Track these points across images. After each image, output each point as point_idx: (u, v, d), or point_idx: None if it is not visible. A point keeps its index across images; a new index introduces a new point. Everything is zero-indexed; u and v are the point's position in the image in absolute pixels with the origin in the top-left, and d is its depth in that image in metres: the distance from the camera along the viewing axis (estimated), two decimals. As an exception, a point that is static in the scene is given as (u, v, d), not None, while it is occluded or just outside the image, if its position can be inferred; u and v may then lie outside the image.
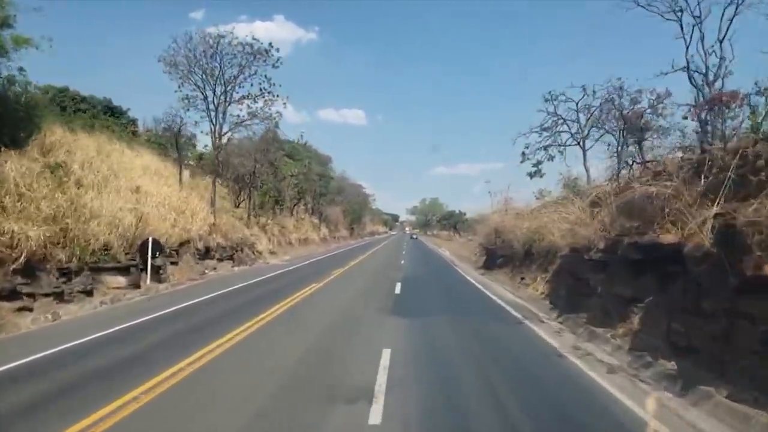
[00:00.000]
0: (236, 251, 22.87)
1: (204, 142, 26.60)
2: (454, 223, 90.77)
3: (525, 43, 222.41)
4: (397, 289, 14.68)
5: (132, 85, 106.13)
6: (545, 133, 17.29)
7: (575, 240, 11.39)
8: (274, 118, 22.96)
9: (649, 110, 12.89)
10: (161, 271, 15.70)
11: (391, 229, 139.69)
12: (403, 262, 27.98)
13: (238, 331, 8.11)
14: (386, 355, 6.60)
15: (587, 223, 11.42)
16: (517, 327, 9.24)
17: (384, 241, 70.86)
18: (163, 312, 10.25)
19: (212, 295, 12.77)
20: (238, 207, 30.15)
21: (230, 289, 14.07)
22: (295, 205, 43.33)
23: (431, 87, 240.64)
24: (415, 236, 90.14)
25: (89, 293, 12.16)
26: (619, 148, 13.72)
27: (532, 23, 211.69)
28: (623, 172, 11.60)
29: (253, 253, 25.73)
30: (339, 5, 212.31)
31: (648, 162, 10.47)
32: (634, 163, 10.71)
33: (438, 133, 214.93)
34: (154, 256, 14.79)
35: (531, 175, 17.71)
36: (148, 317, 9.66)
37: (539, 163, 17.46)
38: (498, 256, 20.10)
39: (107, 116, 30.54)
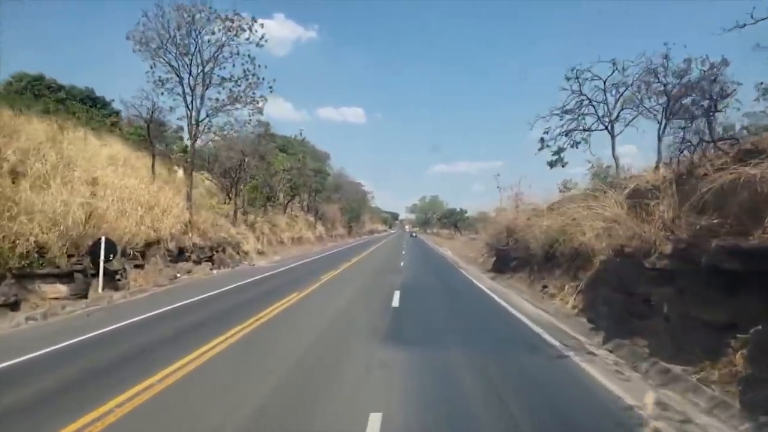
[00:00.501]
0: (216, 252, 20.50)
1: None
2: (454, 221, 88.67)
3: (524, 43, 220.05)
4: (395, 300, 12.19)
5: (130, 83, 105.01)
6: (567, 116, 14.81)
7: (619, 241, 9.04)
8: (258, 103, 20.47)
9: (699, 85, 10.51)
10: (119, 277, 13.35)
11: (390, 228, 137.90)
12: (402, 263, 25.63)
13: (168, 372, 5.72)
14: (373, 427, 4.15)
15: (625, 220, 9.12)
16: (560, 363, 6.58)
17: (383, 239, 68.42)
18: (91, 334, 7.90)
19: (164, 309, 10.36)
20: (226, 203, 27.84)
21: (192, 300, 11.64)
22: (288, 202, 41.00)
23: (430, 86, 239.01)
24: (414, 234, 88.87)
25: (14, 306, 9.84)
26: (662, 128, 11.42)
27: (531, 23, 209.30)
28: (679, 155, 9.21)
29: (238, 253, 23.38)
30: (339, 4, 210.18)
31: (721, 140, 8.09)
32: (701, 142, 8.31)
33: (437, 131, 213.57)
34: (107, 259, 12.44)
35: (551, 164, 15.22)
36: (67, 343, 7.33)
37: (560, 150, 15.00)
38: (511, 259, 17.71)
39: (87, 106, 28.27)
